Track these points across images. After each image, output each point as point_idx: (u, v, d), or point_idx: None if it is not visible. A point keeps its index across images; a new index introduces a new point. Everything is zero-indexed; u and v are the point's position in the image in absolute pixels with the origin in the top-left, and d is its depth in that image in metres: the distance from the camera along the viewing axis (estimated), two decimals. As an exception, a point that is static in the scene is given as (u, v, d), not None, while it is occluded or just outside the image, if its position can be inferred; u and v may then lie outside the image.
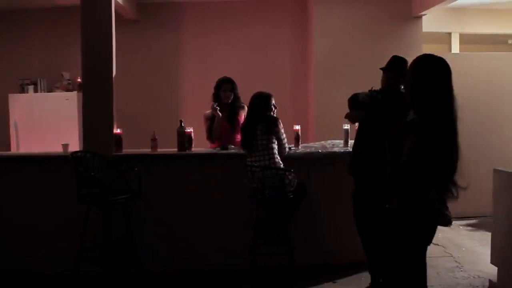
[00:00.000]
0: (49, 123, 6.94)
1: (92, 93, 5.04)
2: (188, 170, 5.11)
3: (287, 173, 4.62)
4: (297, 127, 5.33)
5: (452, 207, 6.92)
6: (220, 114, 5.35)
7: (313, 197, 4.93)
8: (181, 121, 5.16)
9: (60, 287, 4.78)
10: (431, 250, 5.56)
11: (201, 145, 5.58)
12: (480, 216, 6.91)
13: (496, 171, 4.41)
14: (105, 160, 4.84)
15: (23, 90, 7.17)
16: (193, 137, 5.17)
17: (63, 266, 4.68)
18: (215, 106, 5.34)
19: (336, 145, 5.53)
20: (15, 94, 7.15)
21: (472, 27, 8.74)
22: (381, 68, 4.38)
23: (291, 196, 4.64)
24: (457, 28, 8.84)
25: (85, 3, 5.00)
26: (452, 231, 6.58)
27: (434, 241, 5.80)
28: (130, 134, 5.81)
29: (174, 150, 5.14)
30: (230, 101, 5.44)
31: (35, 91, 7.20)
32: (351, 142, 5.50)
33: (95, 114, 5.04)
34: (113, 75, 5.10)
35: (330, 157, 5.12)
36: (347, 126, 5.41)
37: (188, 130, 5.15)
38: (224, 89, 5.43)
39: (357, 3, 7.27)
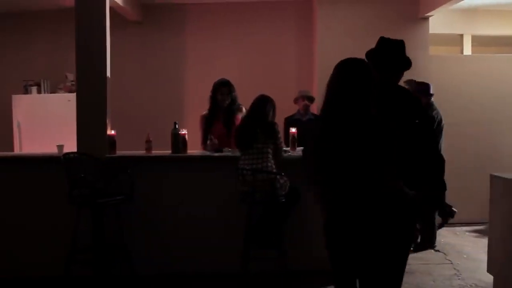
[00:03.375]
0: (51, 124, 6.95)
1: (86, 94, 5.04)
2: (181, 172, 5.06)
3: (278, 177, 4.54)
4: (294, 130, 5.25)
5: (459, 213, 6.79)
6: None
7: (308, 202, 4.83)
8: (175, 123, 5.13)
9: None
10: (430, 256, 5.54)
11: (197, 147, 5.53)
12: (487, 222, 6.73)
13: (493, 177, 4.27)
14: (98, 162, 4.82)
15: (26, 91, 7.20)
16: (187, 139, 5.13)
17: (56, 268, 4.65)
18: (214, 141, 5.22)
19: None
20: (19, 95, 7.18)
21: (485, 29, 8.56)
22: None
23: (283, 200, 4.57)
24: (469, 30, 8.67)
25: (79, 4, 4.99)
26: (456, 237, 6.46)
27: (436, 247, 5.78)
28: (132, 136, 5.79)
29: (168, 152, 5.11)
30: (226, 104, 5.39)
31: (39, 92, 7.23)
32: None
33: (89, 116, 5.04)
34: (108, 77, 5.09)
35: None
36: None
37: (183, 132, 5.11)
38: (221, 92, 5.38)
39: (362, 4, 7.16)
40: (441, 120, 5.89)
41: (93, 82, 5.03)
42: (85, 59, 5.03)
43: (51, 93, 7.28)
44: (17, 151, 6.99)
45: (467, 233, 6.61)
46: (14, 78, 7.34)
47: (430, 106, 5.87)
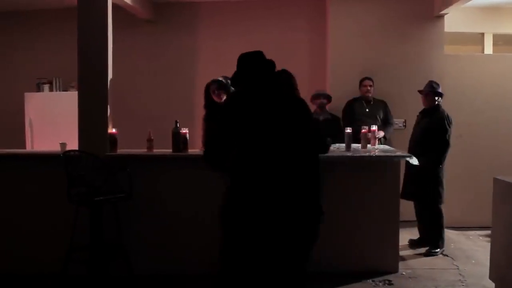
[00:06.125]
0: (63, 122, 6.99)
1: (87, 93, 5.06)
2: (181, 171, 5.02)
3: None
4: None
5: (473, 216, 6.58)
6: None
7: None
8: (176, 122, 5.10)
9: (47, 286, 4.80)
10: (437, 261, 5.39)
11: (199, 147, 5.49)
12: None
13: (496, 180, 4.11)
14: (99, 160, 4.81)
15: (39, 89, 7.30)
16: (188, 138, 5.09)
17: (54, 266, 4.65)
18: None
19: (340, 148, 5.36)
20: (31, 93, 7.28)
21: (507, 27, 8.30)
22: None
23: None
24: (490, 28, 8.41)
25: (81, 2, 5.00)
26: (468, 241, 6.28)
27: (444, 251, 5.62)
28: (143, 134, 5.79)
29: (169, 151, 5.08)
30: (223, 100, 5.35)
31: (51, 90, 7.33)
32: (354, 145, 5.33)
33: (90, 114, 5.06)
34: (109, 76, 5.09)
35: (327, 161, 4.92)
36: (349, 130, 5.26)
37: (183, 131, 5.07)
38: (212, 89, 5.38)
39: (375, 2, 7.04)
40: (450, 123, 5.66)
41: (95, 81, 5.04)
42: (86, 58, 5.03)
43: (63, 91, 7.35)
44: (28, 148, 7.09)
45: (480, 238, 6.40)
46: (27, 76, 7.46)
47: (438, 108, 5.70)
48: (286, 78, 3.98)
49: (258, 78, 3.10)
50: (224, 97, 5.33)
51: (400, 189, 5.75)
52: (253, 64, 3.17)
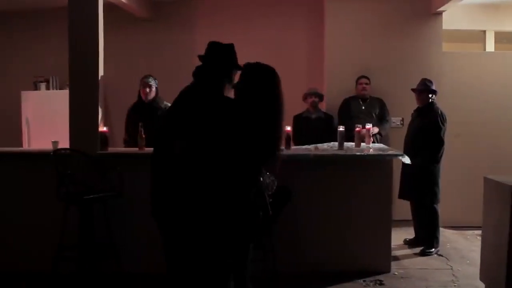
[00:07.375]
0: (59, 120, 6.97)
1: (78, 91, 5.04)
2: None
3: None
4: (288, 128, 5.14)
5: (472, 216, 6.51)
6: None
7: (299, 201, 4.71)
8: (168, 120, 5.07)
9: (38, 285, 4.79)
10: (431, 262, 5.33)
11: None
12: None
13: (486, 179, 4.05)
14: (90, 158, 4.82)
15: (36, 87, 7.33)
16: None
17: (46, 263, 4.66)
18: None
19: (333, 147, 5.32)
20: (27, 91, 7.31)
21: (509, 25, 8.21)
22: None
23: (271, 200, 4.44)
24: (492, 26, 8.33)
25: (72, 1, 4.99)
26: (465, 241, 6.22)
27: (439, 251, 5.56)
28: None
29: (161, 149, 5.06)
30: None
31: (47, 88, 7.35)
32: (347, 144, 5.29)
33: (81, 113, 5.04)
34: (101, 73, 5.08)
35: (319, 160, 4.90)
36: (342, 128, 5.21)
37: (175, 130, 5.05)
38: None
39: (372, 0, 6.97)
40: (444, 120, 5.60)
41: (86, 79, 5.03)
42: (77, 57, 5.02)
43: (59, 89, 7.37)
44: (25, 146, 7.11)
45: (477, 237, 6.29)
46: (25, 74, 7.48)
47: (432, 106, 5.64)
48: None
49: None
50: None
51: (398, 189, 5.74)
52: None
